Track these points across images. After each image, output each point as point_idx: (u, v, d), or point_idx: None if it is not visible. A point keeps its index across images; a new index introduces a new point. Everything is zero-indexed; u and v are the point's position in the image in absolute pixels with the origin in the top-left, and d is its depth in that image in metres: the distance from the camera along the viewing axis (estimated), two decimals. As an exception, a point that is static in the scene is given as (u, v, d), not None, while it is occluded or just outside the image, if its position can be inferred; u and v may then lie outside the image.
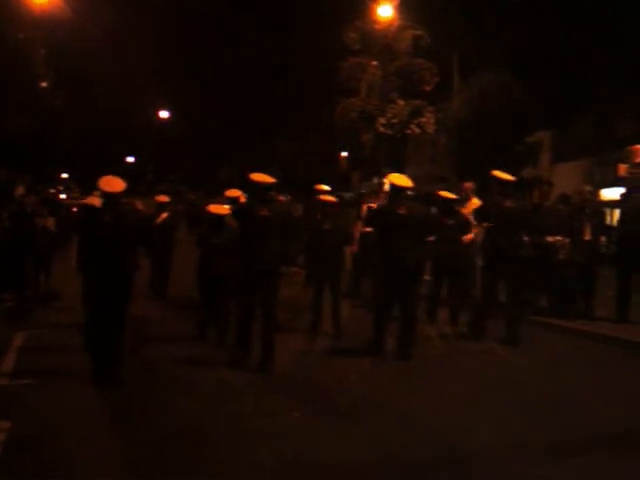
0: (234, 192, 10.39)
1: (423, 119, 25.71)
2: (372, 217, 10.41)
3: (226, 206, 9.57)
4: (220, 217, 9.38)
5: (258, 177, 8.16)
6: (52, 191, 29.89)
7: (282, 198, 13.96)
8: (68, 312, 10.90)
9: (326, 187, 12.60)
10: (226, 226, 9.22)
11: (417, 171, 33.31)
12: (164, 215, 13.08)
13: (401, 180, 8.84)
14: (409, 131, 25.84)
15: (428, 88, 25.97)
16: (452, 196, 10.93)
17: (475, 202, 12.25)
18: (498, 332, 9.63)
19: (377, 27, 25.76)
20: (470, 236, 10.80)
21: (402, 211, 8.57)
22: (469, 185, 12.61)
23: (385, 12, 25.25)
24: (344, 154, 45.66)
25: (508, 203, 9.56)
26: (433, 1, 26.76)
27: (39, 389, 7.17)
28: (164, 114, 58.58)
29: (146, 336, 9.57)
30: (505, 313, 9.73)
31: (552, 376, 8.04)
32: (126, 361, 7.64)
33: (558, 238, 11.00)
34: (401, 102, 25.80)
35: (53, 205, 16.04)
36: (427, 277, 10.90)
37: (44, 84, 29.72)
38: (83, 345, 8.06)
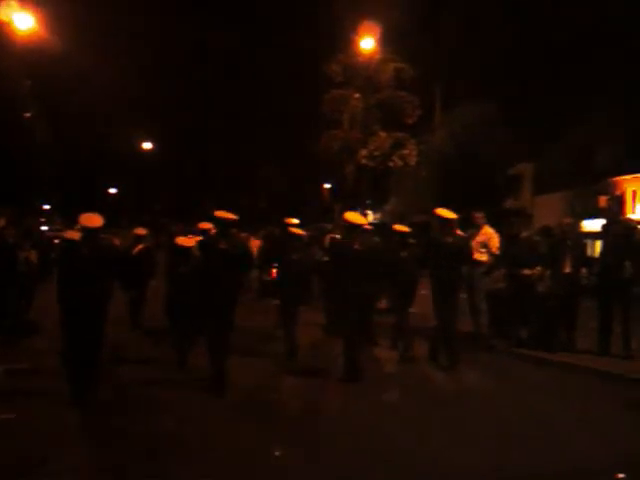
0: (205, 225, 10.78)
1: (405, 151, 25.93)
2: (329, 249, 11.25)
3: (193, 238, 10.28)
4: (186, 248, 10.01)
5: (221, 214, 8.88)
6: (34, 224, 29.80)
7: (242, 234, 14.52)
8: (47, 344, 10.85)
9: (295, 220, 13.00)
10: (192, 257, 9.78)
11: (399, 203, 33.56)
12: (140, 247, 13.37)
13: (356, 218, 9.68)
14: (391, 163, 26.03)
15: (410, 121, 26.21)
16: (405, 229, 11.46)
17: (487, 231, 12.30)
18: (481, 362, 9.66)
19: (359, 60, 26.03)
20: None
21: (357, 246, 9.30)
22: (479, 215, 12.66)
23: (367, 45, 25.51)
24: (327, 186, 45.82)
25: (449, 239, 10.18)
26: (415, 34, 27.10)
27: (18, 423, 7.10)
28: (147, 145, 58.67)
29: (121, 360, 10.08)
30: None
31: (525, 406, 8.07)
32: (100, 383, 8.12)
33: (536, 270, 11.07)
34: (383, 134, 26.02)
35: (35, 237, 15.94)
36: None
37: (28, 115, 29.72)
38: (61, 367, 8.36)
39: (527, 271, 11.10)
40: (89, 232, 8.12)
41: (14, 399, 8.11)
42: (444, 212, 10.43)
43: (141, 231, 13.87)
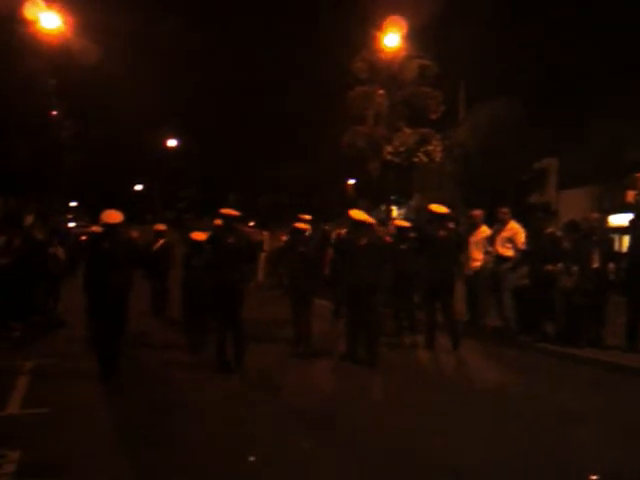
0: (219, 221, 11.21)
1: (430, 147, 25.80)
2: (337, 245, 12.28)
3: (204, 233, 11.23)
4: (199, 242, 11.08)
5: (226, 211, 10.03)
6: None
7: (247, 228, 15.74)
8: (76, 339, 11.33)
9: (307, 216, 13.73)
10: (204, 250, 10.62)
11: (424, 199, 33.42)
12: (160, 242, 14.50)
13: (360, 215, 10.49)
14: (416, 159, 25.91)
15: (434, 116, 26.10)
16: (406, 224, 12.60)
17: (484, 230, 12.36)
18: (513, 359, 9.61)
19: (384, 57, 25.93)
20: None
21: (362, 241, 10.20)
22: (478, 213, 12.72)
23: (392, 42, 25.41)
24: (351, 182, 45.75)
25: (442, 233, 11.02)
26: (439, 30, 26.98)
27: (49, 418, 7.18)
28: (172, 142, 58.93)
29: (143, 344, 11.37)
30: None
31: (552, 403, 8.00)
32: (124, 364, 9.21)
33: (558, 266, 11.00)
34: (408, 130, 25.92)
35: (62, 234, 16.13)
36: None
37: (54, 114, 29.94)
38: (90, 351, 9.58)
39: (550, 267, 11.06)
40: (109, 227, 9.14)
41: (46, 394, 8.21)
42: (436, 207, 11.35)
43: (161, 227, 15.06)
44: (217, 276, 9.69)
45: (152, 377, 9.42)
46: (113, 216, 9.17)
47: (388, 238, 12.70)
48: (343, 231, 13.84)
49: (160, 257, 14.32)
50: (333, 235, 15.20)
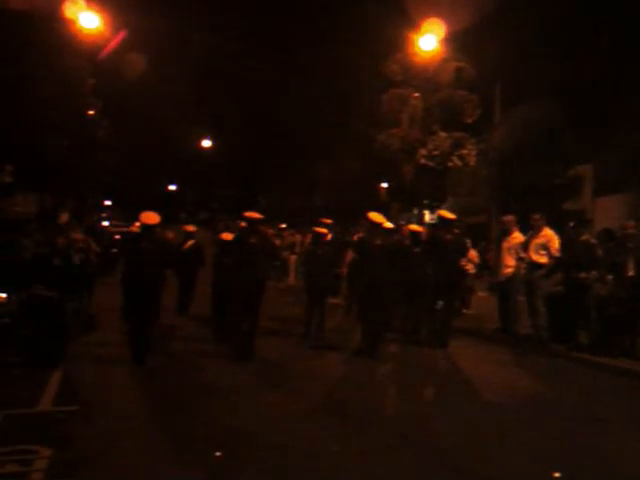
0: (243, 223, 11.89)
1: (465, 151, 25.59)
2: (355, 245, 12.78)
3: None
4: (227, 242, 11.99)
5: (249, 214, 10.82)
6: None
7: (269, 230, 17.00)
8: (108, 339, 11.73)
9: (328, 220, 15.45)
10: (231, 250, 11.48)
11: (457, 203, 33.20)
12: (190, 242, 15.24)
13: (378, 218, 11.27)
14: (450, 163, 25.73)
15: (470, 120, 25.91)
16: (419, 229, 13.45)
17: (516, 236, 12.26)
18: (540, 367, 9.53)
19: (419, 59, 25.81)
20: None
21: (378, 242, 11.07)
22: (510, 219, 12.63)
23: (427, 45, 25.27)
24: (384, 185, 45.68)
25: (448, 236, 11.95)
26: (475, 32, 26.79)
27: (80, 415, 7.25)
28: (206, 143, 59.27)
29: (171, 336, 12.42)
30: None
31: (583, 412, 7.95)
32: (155, 351, 10.09)
33: (592, 274, 10.86)
34: (442, 134, 25.75)
35: (97, 233, 16.33)
36: None
37: (91, 113, 30.27)
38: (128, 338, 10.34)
39: (583, 274, 10.92)
40: (147, 228, 9.98)
41: (77, 391, 8.31)
42: (444, 213, 12.48)
43: (190, 228, 15.83)
44: (240, 273, 10.62)
45: (181, 365, 10.24)
46: (151, 217, 9.98)
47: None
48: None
49: (190, 257, 14.95)
50: (355, 237, 15.52)
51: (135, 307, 10.03)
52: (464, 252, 13.06)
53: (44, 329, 9.56)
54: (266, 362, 10.48)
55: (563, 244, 11.73)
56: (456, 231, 12.82)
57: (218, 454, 6.15)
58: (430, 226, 16.23)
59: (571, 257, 11.33)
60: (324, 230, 13.05)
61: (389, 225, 12.25)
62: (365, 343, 11.09)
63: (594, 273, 10.86)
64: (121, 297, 11.16)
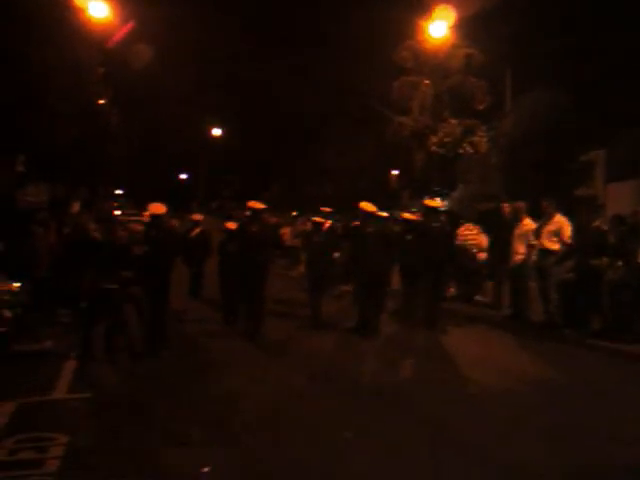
0: (247, 212, 12.39)
1: (476, 138, 25.51)
2: (348, 233, 13.68)
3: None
4: (232, 230, 12.87)
5: (252, 204, 11.75)
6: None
7: (273, 219, 18.95)
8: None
9: (327, 209, 16.65)
10: (237, 237, 12.24)
11: (467, 190, 33.09)
12: (197, 230, 15.73)
13: (369, 207, 12.12)
14: (461, 150, 25.66)
15: (480, 107, 25.81)
16: (412, 216, 13.86)
17: (527, 222, 12.23)
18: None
19: (429, 46, 25.71)
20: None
21: (369, 229, 11.96)
22: (520, 205, 12.59)
23: (438, 31, 25.16)
24: (395, 172, 45.55)
25: (435, 224, 12.73)
26: (485, 19, 26.62)
27: (95, 402, 7.31)
28: (217, 131, 59.30)
29: (183, 320, 12.82)
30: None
31: (597, 399, 7.93)
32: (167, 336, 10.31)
33: (604, 260, 10.81)
34: (453, 121, 25.67)
35: (109, 222, 16.40)
36: None
37: (101, 102, 30.30)
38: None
39: (595, 261, 10.87)
40: (155, 217, 10.73)
41: (91, 378, 8.38)
42: (430, 202, 13.57)
43: (197, 217, 16.52)
44: (244, 259, 11.44)
45: (192, 348, 10.85)
46: (158, 208, 10.76)
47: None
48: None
49: (196, 244, 15.43)
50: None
51: (148, 290, 10.39)
52: (451, 238, 13.85)
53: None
54: (272, 341, 11.09)
55: (575, 230, 11.67)
56: (442, 218, 13.83)
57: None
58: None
59: (583, 243, 11.28)
60: (321, 219, 14.02)
61: (382, 214, 13.27)
62: (362, 321, 11.81)
63: (605, 260, 10.82)
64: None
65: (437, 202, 13.74)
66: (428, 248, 12.33)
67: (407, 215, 14.10)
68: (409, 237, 12.93)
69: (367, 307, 11.88)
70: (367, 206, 12.12)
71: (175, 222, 14.87)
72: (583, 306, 11.24)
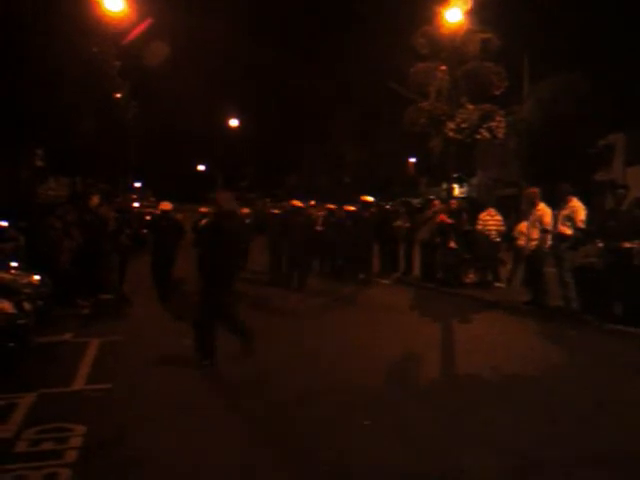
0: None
1: (493, 123, 25.34)
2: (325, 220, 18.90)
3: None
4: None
5: (364, 198, 17.73)
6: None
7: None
8: (140, 317, 11.84)
9: (313, 202, 21.70)
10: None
11: (486, 176, 32.98)
12: (204, 221, 15.39)
13: (368, 198, 17.58)
14: (479, 136, 25.50)
15: (497, 92, 25.65)
16: (370, 200, 18.04)
17: (541, 208, 12.08)
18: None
19: (445, 31, 25.56)
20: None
21: (366, 214, 17.18)
22: (534, 190, 12.47)
23: (453, 17, 25.01)
24: (412, 160, 45.44)
25: (366, 214, 17.36)
26: (501, 4, 26.43)
27: (114, 393, 7.35)
28: (234, 122, 59.33)
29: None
30: None
31: (617, 387, 7.82)
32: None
33: (637, 243, 10.62)
34: (470, 106, 25.53)
35: (128, 214, 16.53)
36: None
37: (118, 95, 30.42)
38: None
39: (627, 244, 10.65)
40: (164, 212, 14.50)
41: (110, 369, 8.42)
42: (365, 198, 17.74)
43: (204, 209, 17.24)
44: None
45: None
46: (167, 205, 14.61)
47: (443, 217, 15.60)
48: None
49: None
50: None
51: (156, 268, 13.75)
52: (376, 226, 17.46)
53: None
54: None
55: (603, 214, 11.44)
56: (372, 210, 17.97)
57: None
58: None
59: (614, 227, 11.01)
60: (299, 203, 17.29)
61: (368, 199, 17.86)
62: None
63: (638, 242, 10.58)
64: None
65: (370, 198, 17.96)
66: (359, 232, 16.83)
67: (366, 198, 17.83)
68: (398, 224, 17.58)
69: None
70: (366, 198, 17.48)
71: (180, 216, 16.19)
72: (605, 291, 11.05)
